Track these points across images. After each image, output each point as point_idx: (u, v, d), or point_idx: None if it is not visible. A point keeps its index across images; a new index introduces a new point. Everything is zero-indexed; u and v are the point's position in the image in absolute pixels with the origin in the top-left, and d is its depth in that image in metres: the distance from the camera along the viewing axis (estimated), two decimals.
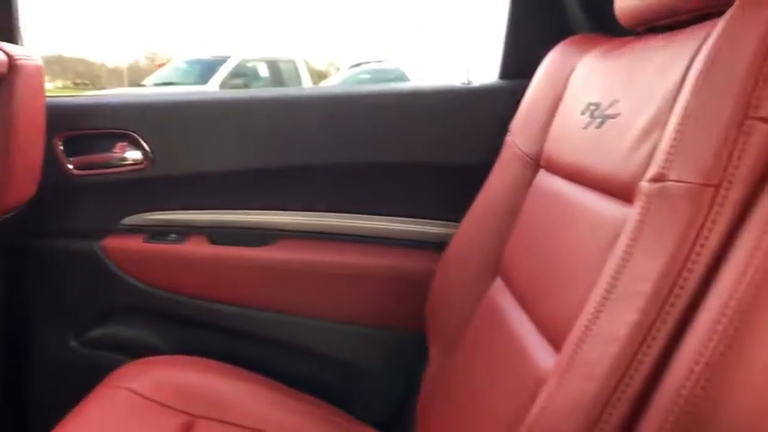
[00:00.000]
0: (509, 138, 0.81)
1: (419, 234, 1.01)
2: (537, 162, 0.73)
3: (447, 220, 1.00)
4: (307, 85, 7.82)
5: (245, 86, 7.07)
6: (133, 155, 1.02)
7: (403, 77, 5.91)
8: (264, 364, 0.96)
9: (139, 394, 0.81)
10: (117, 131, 1.01)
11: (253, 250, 1.02)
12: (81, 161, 1.01)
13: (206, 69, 7.30)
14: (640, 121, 0.50)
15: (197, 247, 1.03)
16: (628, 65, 0.59)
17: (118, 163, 1.02)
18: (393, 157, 1.00)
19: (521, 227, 0.72)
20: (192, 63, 7.82)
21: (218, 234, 1.03)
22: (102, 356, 1.06)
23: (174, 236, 1.04)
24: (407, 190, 1.02)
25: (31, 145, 0.86)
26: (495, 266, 0.75)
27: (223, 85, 6.95)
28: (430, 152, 0.99)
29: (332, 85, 6.62)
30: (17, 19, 0.92)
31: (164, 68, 8.20)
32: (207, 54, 8.13)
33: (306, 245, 1.02)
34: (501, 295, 0.70)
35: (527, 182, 0.74)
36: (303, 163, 1.01)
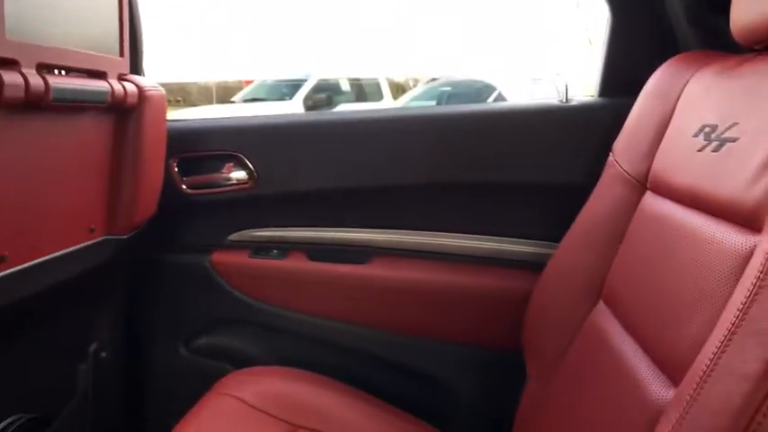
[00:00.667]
0: (612, 158, 0.80)
1: (515, 253, 1.01)
2: (643, 184, 0.71)
3: (545, 240, 0.99)
4: (387, 98, 7.94)
5: (328, 100, 7.28)
6: (240, 174, 1.08)
7: (489, 89, 5.85)
8: (361, 378, 0.99)
9: (245, 402, 0.86)
10: (225, 153, 1.08)
11: (351, 267, 1.05)
12: (193, 181, 1.09)
13: (291, 85, 7.58)
14: (765, 147, 0.48)
15: (297, 263, 1.07)
16: (748, 85, 0.56)
17: (225, 183, 1.09)
18: (490, 176, 1.00)
19: (627, 250, 0.70)
20: (277, 80, 8.15)
21: (317, 250, 1.08)
22: (208, 363, 1.13)
23: (276, 251, 1.09)
24: (504, 209, 1.02)
25: (154, 167, 0.94)
26: (598, 290, 0.74)
27: (306, 99, 7.19)
28: (527, 171, 0.99)
29: (415, 97, 6.67)
30: (142, 51, 1.01)
31: (251, 85, 8.60)
32: (292, 74, 8.47)
33: (403, 263, 1.04)
34: (605, 321, 0.69)
35: (632, 204, 0.72)
36: (402, 182, 1.03)
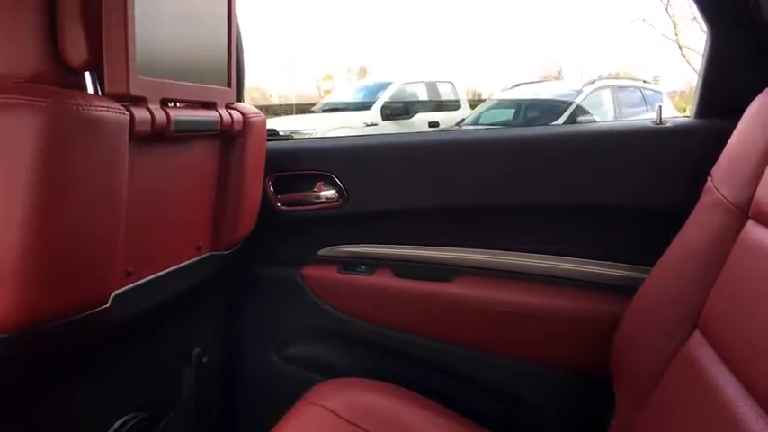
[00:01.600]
0: (710, 183, 0.78)
1: (604, 276, 0.99)
2: (744, 212, 0.69)
3: (636, 264, 0.97)
4: (465, 106, 7.91)
5: (406, 109, 7.34)
6: (330, 193, 1.14)
7: (570, 96, 5.71)
8: (445, 394, 1.01)
9: (333, 412, 0.89)
10: (317, 172, 1.13)
11: (436, 285, 1.07)
12: (287, 198, 1.15)
13: (369, 94, 7.71)
14: None
15: (383, 279, 1.11)
16: None
17: (316, 200, 1.14)
18: (579, 197, 1.00)
19: (727, 280, 0.68)
20: (356, 90, 8.32)
21: (403, 267, 1.11)
22: (298, 371, 1.19)
23: (363, 267, 1.13)
24: (593, 231, 1.01)
25: (254, 187, 1.00)
26: (694, 319, 0.72)
27: (384, 108, 7.29)
28: (618, 194, 0.97)
29: (493, 106, 6.61)
30: (243, 79, 1.08)
31: (330, 95, 8.84)
32: (370, 80, 8.61)
33: (488, 282, 1.05)
34: (702, 352, 0.67)
35: (732, 232, 0.70)
36: (489, 203, 1.05)
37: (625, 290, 0.92)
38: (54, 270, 0.59)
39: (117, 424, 0.88)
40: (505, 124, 6.04)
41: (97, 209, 0.62)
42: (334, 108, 7.85)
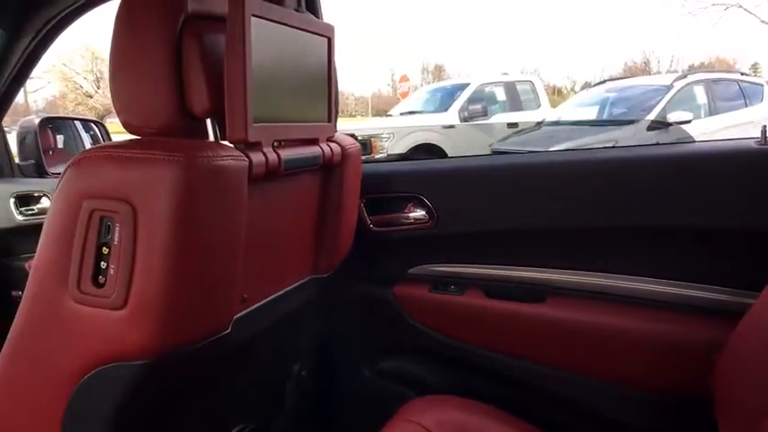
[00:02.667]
0: None
1: (701, 300, 0.96)
2: None
3: (736, 288, 0.94)
4: (545, 105, 7.72)
5: (483, 110, 7.26)
6: (420, 214, 1.17)
7: (659, 93, 5.45)
8: (536, 414, 1.01)
9: (427, 430, 0.93)
10: (407, 194, 1.17)
11: (527, 306, 1.08)
12: (378, 219, 1.20)
13: (446, 96, 7.69)
14: None
15: (474, 299, 1.13)
16: None
17: (407, 221, 1.18)
18: (676, 219, 0.98)
19: None
20: (432, 92, 8.32)
21: (493, 288, 1.12)
22: (389, 386, 1.23)
23: (453, 287, 1.16)
24: (693, 253, 0.99)
25: (352, 212, 1.05)
26: None
27: (462, 110, 7.24)
28: (720, 216, 0.94)
29: (577, 104, 6.41)
30: (337, 110, 1.13)
31: (407, 98, 8.89)
32: (447, 82, 8.58)
33: (579, 303, 1.05)
34: None
35: None
36: (581, 224, 1.05)
37: (724, 314, 0.90)
38: (187, 303, 0.66)
39: None
40: (589, 123, 5.85)
41: (222, 246, 0.69)
42: (411, 111, 7.89)
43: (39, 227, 1.62)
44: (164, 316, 0.63)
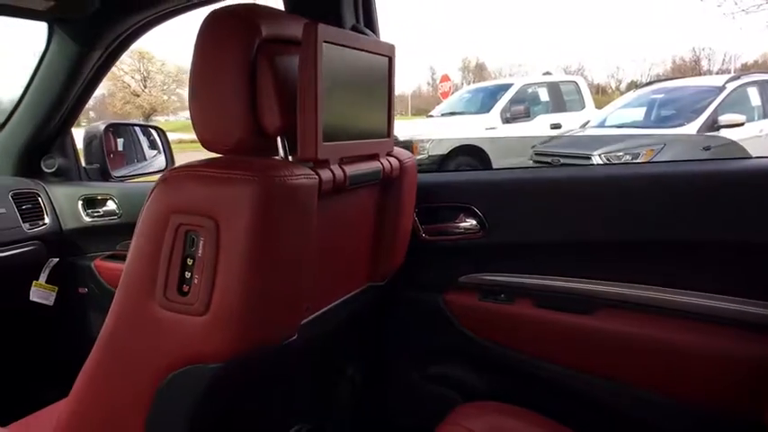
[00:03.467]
0: None
1: (752, 316, 0.96)
2: None
3: None
4: (590, 106, 7.59)
5: (527, 111, 7.20)
6: (471, 224, 1.20)
7: (710, 94, 5.30)
8: (581, 423, 1.03)
9: None
10: (459, 204, 1.20)
11: (575, 317, 1.10)
12: (430, 228, 1.23)
13: (488, 97, 7.65)
14: None
15: (523, 309, 1.15)
16: None
17: (458, 231, 1.21)
18: (727, 234, 0.98)
19: None
20: (474, 92, 8.28)
21: (542, 298, 1.14)
22: (438, 390, 1.26)
23: (503, 296, 1.18)
24: (740, 269, 0.99)
25: (407, 222, 1.09)
26: None
27: (504, 112, 7.19)
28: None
29: (624, 105, 6.29)
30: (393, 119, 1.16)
31: (449, 98, 8.87)
32: (489, 82, 8.52)
33: (628, 316, 1.06)
34: None
35: None
36: (629, 238, 1.05)
37: None
38: (262, 311, 0.71)
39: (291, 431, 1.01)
40: (635, 125, 5.74)
41: (293, 258, 0.74)
42: (452, 112, 7.88)
43: (104, 228, 1.72)
44: (241, 323, 0.68)
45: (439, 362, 1.27)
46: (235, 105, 0.75)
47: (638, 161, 5.02)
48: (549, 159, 5.67)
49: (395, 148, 1.04)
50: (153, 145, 2.21)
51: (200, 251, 0.67)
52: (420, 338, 1.28)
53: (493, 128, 6.97)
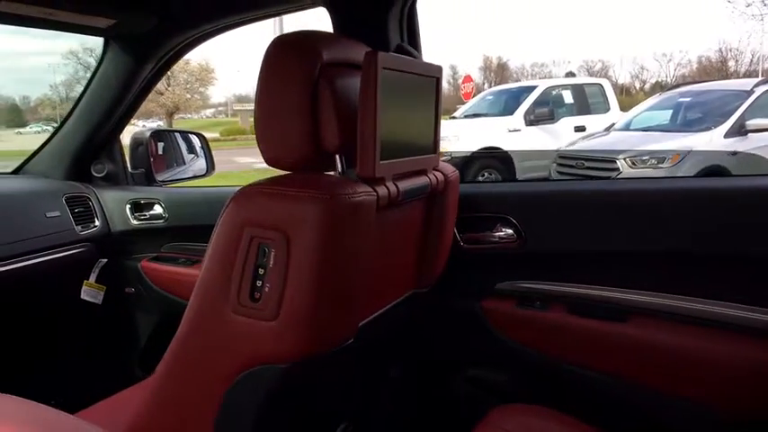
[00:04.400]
0: None
1: None
2: None
3: None
4: (615, 108, 7.55)
5: (551, 114, 7.19)
6: (507, 233, 1.25)
7: (738, 98, 5.25)
8: (616, 428, 1.07)
9: None
10: (496, 215, 1.25)
11: (610, 324, 1.14)
12: (468, 237, 1.28)
13: (511, 99, 7.65)
14: None
15: (558, 316, 1.19)
16: None
17: (495, 240, 1.26)
18: (756, 248, 1.01)
19: None
20: (497, 94, 8.28)
21: (577, 306, 1.19)
22: (475, 393, 1.31)
23: (538, 303, 1.23)
24: None
25: (449, 232, 1.14)
26: None
27: (528, 114, 7.19)
28: None
29: (650, 107, 6.25)
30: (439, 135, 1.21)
31: (472, 100, 8.88)
32: (513, 84, 8.51)
33: (663, 325, 1.10)
34: None
35: None
36: (662, 248, 1.09)
37: None
38: (326, 316, 0.77)
39: (338, 430, 1.06)
40: (661, 129, 5.71)
41: (354, 268, 0.79)
42: (476, 113, 7.89)
43: (150, 230, 1.80)
44: (307, 327, 0.74)
45: (476, 365, 1.32)
46: (298, 125, 0.81)
47: (663, 166, 5.00)
48: (572, 162, 5.68)
49: (441, 163, 1.10)
50: (191, 149, 2.29)
51: (271, 262, 0.73)
52: (458, 343, 1.33)
53: (516, 130, 6.98)
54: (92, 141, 1.74)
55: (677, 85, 6.46)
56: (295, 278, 0.73)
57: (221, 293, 0.76)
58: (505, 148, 6.81)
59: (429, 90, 0.98)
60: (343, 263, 0.76)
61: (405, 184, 0.90)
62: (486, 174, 6.69)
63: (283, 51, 0.83)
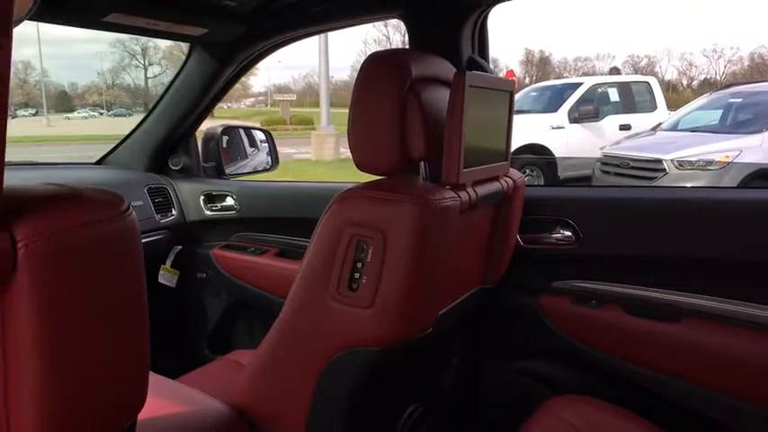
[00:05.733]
0: None
1: None
2: None
3: None
4: (662, 107, 7.44)
5: (596, 111, 7.12)
6: (566, 234, 1.32)
7: None
8: (665, 423, 1.14)
9: (571, 424, 1.09)
10: (556, 217, 1.33)
11: (662, 324, 1.20)
12: (528, 237, 1.36)
13: (555, 96, 7.60)
14: None
15: (612, 314, 1.27)
16: None
17: (553, 240, 1.34)
18: None
19: None
20: (541, 90, 8.23)
21: (631, 306, 1.26)
22: (529, 383, 1.40)
23: (594, 302, 1.30)
24: None
25: (514, 232, 1.23)
26: None
27: (572, 111, 7.14)
28: None
29: (699, 107, 6.15)
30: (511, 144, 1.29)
31: (515, 96, 8.85)
32: (557, 81, 8.43)
33: (714, 326, 1.15)
34: None
35: None
36: (712, 255, 1.15)
37: None
38: (414, 306, 0.87)
39: (408, 411, 1.17)
40: (710, 129, 5.61)
41: (438, 264, 0.89)
42: (518, 110, 7.87)
43: (222, 220, 1.93)
44: (398, 315, 0.84)
45: (532, 358, 1.41)
46: (389, 135, 0.91)
47: (711, 168, 4.94)
48: (617, 162, 5.64)
49: (513, 170, 1.18)
50: (252, 143, 2.42)
51: (368, 257, 0.83)
52: (516, 336, 1.41)
53: (560, 127, 6.95)
54: (171, 137, 1.88)
55: (728, 85, 6.32)
56: (389, 272, 0.83)
57: (323, 283, 0.87)
58: (548, 145, 6.79)
59: (503, 102, 1.07)
60: (430, 260, 0.86)
61: (482, 190, 0.99)
62: (527, 171, 6.70)
63: (378, 67, 0.93)
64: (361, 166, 0.95)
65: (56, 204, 0.44)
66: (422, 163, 0.97)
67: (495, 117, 1.05)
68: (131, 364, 0.51)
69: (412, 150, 0.92)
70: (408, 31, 1.33)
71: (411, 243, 0.82)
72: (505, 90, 1.06)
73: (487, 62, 1.34)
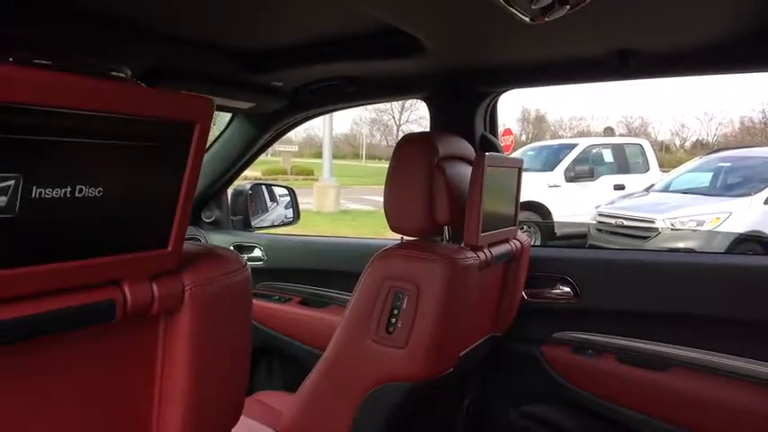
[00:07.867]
0: None
1: None
2: None
3: None
4: (654, 168, 7.72)
5: (591, 171, 7.39)
6: (565, 291, 1.49)
7: None
8: None
9: None
10: (557, 275, 1.50)
11: (652, 373, 1.36)
12: (532, 292, 1.53)
13: (552, 155, 7.89)
14: None
15: (607, 363, 1.42)
16: None
17: (554, 296, 1.51)
18: None
19: None
20: (539, 149, 8.54)
21: (623, 355, 1.41)
22: (530, 426, 1.54)
23: (590, 352, 1.46)
24: None
25: (521, 286, 1.40)
26: None
27: (568, 171, 7.41)
28: None
29: (690, 170, 6.41)
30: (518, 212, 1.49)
31: (511, 154, 9.17)
32: (554, 141, 8.75)
33: (699, 376, 1.31)
34: None
35: None
36: (699, 312, 1.32)
37: None
38: (441, 348, 1.03)
39: None
40: (700, 191, 5.86)
41: (462, 312, 1.06)
42: None
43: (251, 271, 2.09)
44: (428, 355, 1.01)
45: (534, 403, 1.55)
46: (419, 204, 1.10)
47: (702, 229, 5.15)
48: (612, 221, 5.86)
49: (520, 233, 1.36)
50: (272, 198, 2.62)
51: (404, 305, 1.01)
52: (520, 381, 1.56)
53: (556, 185, 7.20)
54: (207, 192, 2.06)
55: (718, 150, 6.63)
56: (421, 318, 1.00)
57: (364, 326, 1.04)
58: (545, 203, 7.02)
59: (513, 177, 1.26)
60: (454, 308, 1.03)
61: (496, 251, 1.17)
62: (525, 228, 6.91)
63: (411, 147, 1.12)
64: (395, 227, 1.13)
65: (203, 260, 0.62)
66: (446, 227, 1.15)
67: (506, 189, 1.24)
68: (238, 388, 0.68)
69: (438, 217, 1.10)
70: (430, 110, 1.55)
71: (440, 294, 0.99)
72: (515, 167, 1.26)
73: (496, 137, 1.55)
